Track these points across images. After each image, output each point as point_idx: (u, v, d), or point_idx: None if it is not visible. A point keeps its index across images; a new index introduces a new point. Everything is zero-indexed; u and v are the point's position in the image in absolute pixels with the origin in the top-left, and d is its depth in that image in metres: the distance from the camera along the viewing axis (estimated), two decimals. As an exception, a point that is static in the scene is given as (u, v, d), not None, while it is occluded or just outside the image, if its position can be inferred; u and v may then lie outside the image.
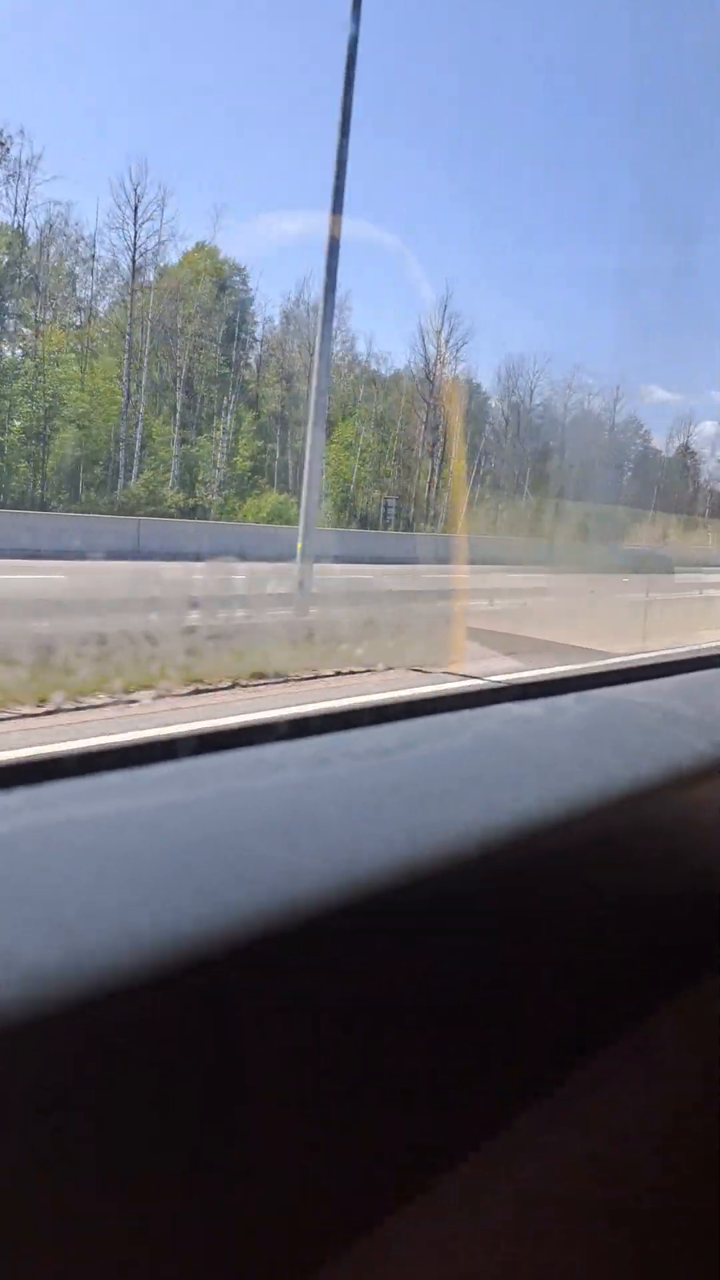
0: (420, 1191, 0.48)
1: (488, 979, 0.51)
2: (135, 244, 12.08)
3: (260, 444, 13.58)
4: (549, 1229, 0.61)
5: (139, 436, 12.21)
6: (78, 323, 12.14)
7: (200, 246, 13.04)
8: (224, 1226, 0.37)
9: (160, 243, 12.24)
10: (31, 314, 11.67)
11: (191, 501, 12.33)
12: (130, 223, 11.94)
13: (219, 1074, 0.36)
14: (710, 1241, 0.79)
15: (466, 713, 0.69)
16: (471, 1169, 0.51)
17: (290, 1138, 0.40)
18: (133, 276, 12.27)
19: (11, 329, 11.65)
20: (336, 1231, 0.43)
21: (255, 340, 14.31)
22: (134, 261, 12.14)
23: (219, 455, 12.90)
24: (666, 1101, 0.72)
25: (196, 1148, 0.36)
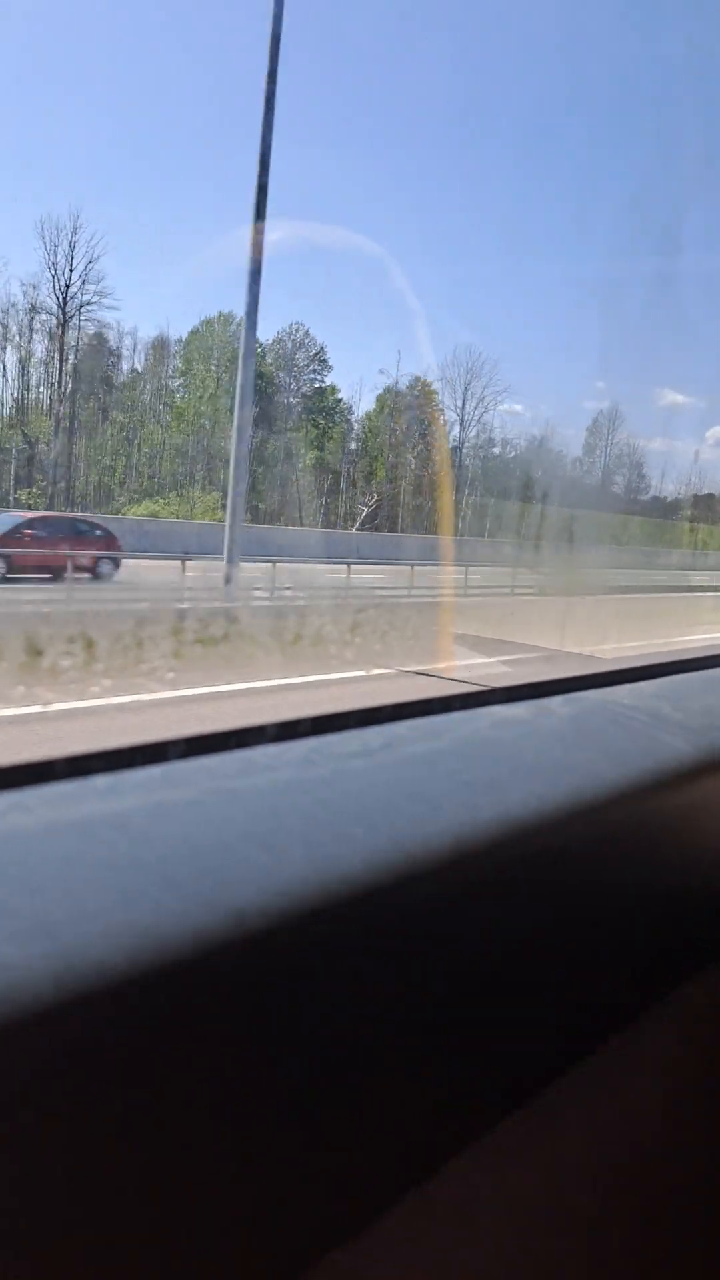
0: (412, 1190, 0.48)
1: (476, 980, 0.51)
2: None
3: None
4: (543, 1228, 0.61)
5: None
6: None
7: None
8: (213, 1228, 0.37)
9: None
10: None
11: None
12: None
13: (206, 1076, 0.37)
14: (710, 1242, 0.80)
15: (453, 715, 0.69)
16: (464, 1168, 0.52)
17: (279, 1138, 0.40)
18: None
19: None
20: (328, 1231, 0.43)
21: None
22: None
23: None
24: (655, 1108, 0.73)
25: (184, 1149, 0.36)
